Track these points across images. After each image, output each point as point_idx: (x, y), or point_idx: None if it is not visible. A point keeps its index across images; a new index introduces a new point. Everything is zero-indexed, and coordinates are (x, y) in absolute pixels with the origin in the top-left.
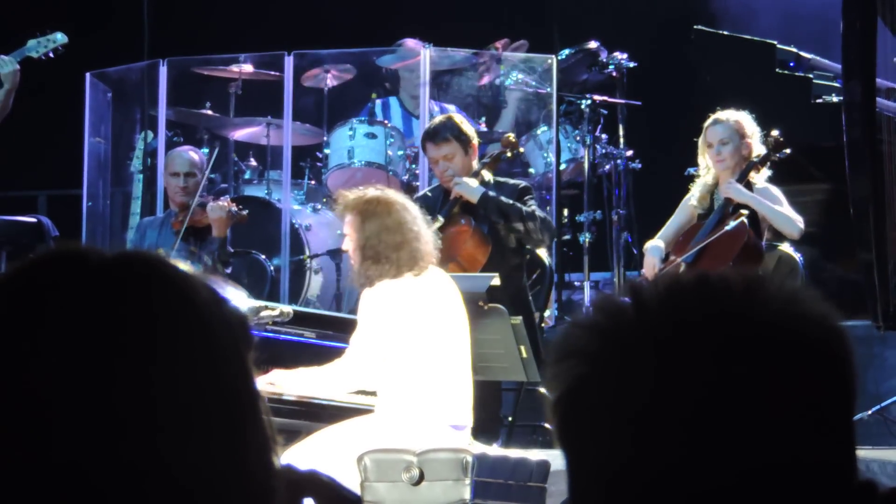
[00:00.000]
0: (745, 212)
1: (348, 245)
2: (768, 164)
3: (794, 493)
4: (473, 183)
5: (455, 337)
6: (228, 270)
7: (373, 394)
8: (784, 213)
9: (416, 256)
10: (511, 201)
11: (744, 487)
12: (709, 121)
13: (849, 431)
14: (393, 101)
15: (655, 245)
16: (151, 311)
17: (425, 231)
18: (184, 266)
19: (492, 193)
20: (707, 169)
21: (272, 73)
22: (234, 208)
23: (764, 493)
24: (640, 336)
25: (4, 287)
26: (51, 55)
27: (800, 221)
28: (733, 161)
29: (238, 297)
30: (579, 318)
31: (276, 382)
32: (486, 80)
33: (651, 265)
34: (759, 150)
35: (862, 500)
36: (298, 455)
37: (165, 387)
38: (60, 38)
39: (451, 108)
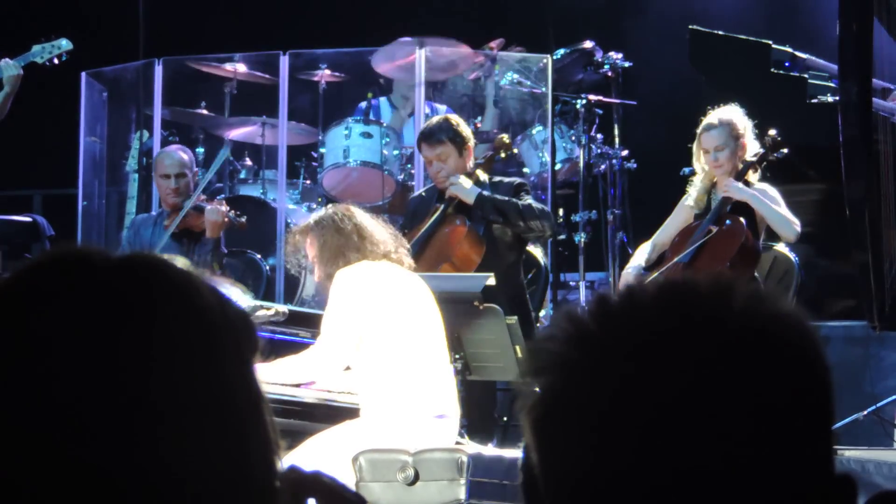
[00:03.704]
0: (742, 219)
1: (316, 268)
2: (765, 163)
3: (772, 490)
4: (468, 184)
5: (427, 326)
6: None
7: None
8: (782, 214)
9: (377, 246)
10: (507, 198)
11: (720, 484)
12: (702, 126)
13: (825, 427)
14: (383, 101)
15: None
16: (155, 314)
17: (380, 226)
18: (187, 268)
19: (487, 193)
20: (703, 170)
21: (266, 76)
22: (234, 214)
23: (742, 488)
24: (607, 345)
25: (11, 290)
26: (55, 61)
27: (797, 224)
28: (731, 165)
29: (237, 296)
30: (549, 331)
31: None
32: (475, 75)
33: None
34: (753, 146)
35: (840, 494)
36: (293, 459)
37: (170, 388)
38: (66, 44)
39: (442, 108)
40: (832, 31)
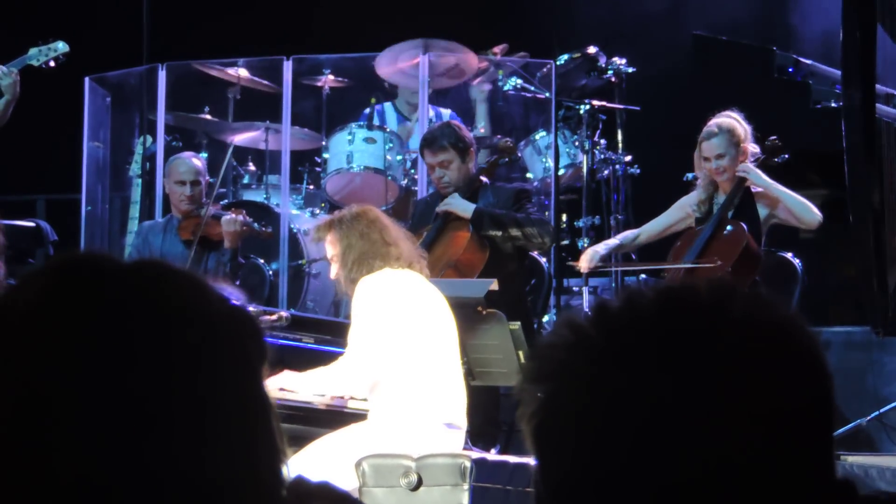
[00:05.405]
0: (743, 224)
1: (334, 267)
2: (766, 169)
3: (773, 495)
4: (463, 202)
5: (443, 336)
6: (237, 283)
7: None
8: (802, 200)
9: (400, 255)
10: (504, 211)
11: (720, 489)
12: (702, 134)
13: (826, 432)
14: (388, 106)
15: (595, 250)
16: (163, 321)
17: (403, 235)
18: (197, 275)
19: (483, 206)
20: (705, 177)
21: (269, 83)
22: (258, 225)
23: (743, 493)
24: (608, 352)
25: (19, 296)
26: (52, 64)
27: (816, 210)
28: (732, 170)
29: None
30: (550, 338)
31: (284, 385)
32: (478, 80)
33: (587, 258)
34: (753, 150)
35: (841, 500)
36: (297, 463)
37: (177, 394)
38: (62, 46)
39: (446, 112)
40: (836, 37)
